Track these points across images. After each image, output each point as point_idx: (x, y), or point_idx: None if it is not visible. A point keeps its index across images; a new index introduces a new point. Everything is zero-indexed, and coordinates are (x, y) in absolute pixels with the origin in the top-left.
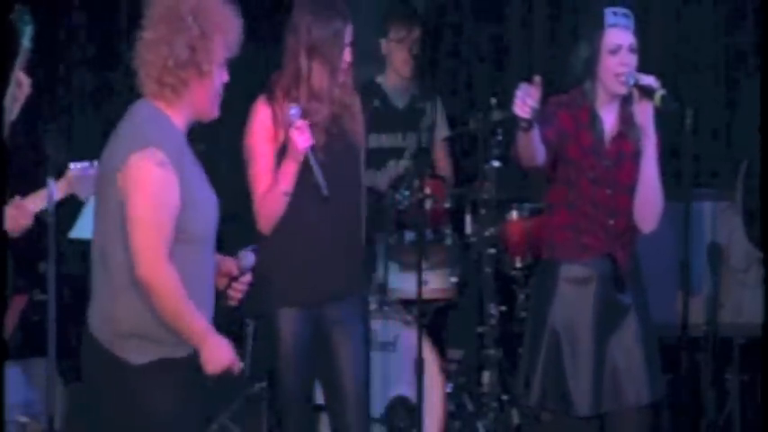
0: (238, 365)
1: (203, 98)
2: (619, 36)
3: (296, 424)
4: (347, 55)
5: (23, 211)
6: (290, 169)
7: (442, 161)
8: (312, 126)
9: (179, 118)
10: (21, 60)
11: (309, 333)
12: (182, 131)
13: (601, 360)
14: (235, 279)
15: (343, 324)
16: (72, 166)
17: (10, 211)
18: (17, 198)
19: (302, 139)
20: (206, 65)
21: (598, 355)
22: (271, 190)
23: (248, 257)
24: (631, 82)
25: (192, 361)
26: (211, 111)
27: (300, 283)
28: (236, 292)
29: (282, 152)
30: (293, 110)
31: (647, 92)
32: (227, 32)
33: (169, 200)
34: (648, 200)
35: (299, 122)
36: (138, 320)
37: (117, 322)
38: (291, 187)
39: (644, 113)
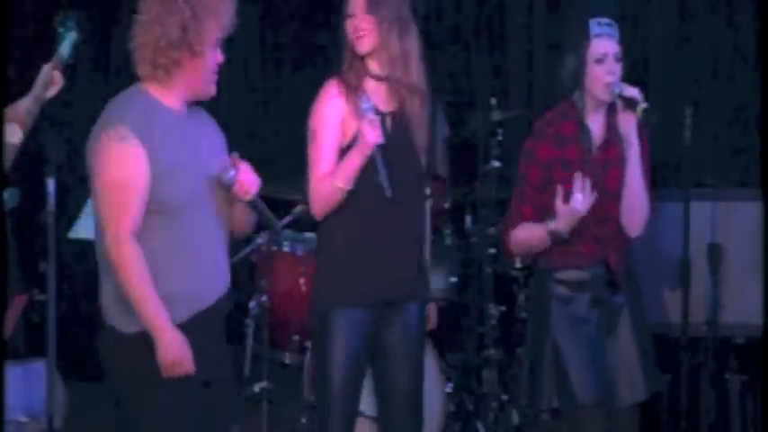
0: (189, 367)
1: (196, 78)
2: (604, 45)
3: (339, 427)
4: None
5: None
6: (355, 164)
7: (441, 161)
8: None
9: (172, 98)
10: (55, 63)
11: (364, 335)
12: (171, 110)
13: (598, 356)
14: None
15: (400, 328)
16: None
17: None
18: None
19: (374, 134)
20: (198, 45)
21: (597, 351)
22: (327, 179)
23: (224, 174)
24: (617, 91)
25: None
26: (206, 90)
27: (355, 284)
28: (240, 192)
29: (349, 146)
30: (366, 104)
31: (630, 103)
32: (220, 14)
33: (130, 175)
34: (634, 207)
35: (372, 116)
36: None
37: (105, 294)
38: (350, 185)
39: (627, 123)
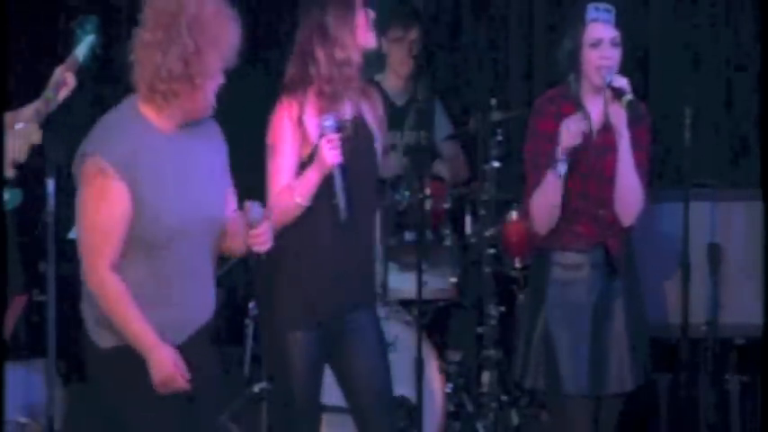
0: (183, 382)
1: (193, 106)
2: (599, 30)
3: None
4: (369, 12)
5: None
6: (313, 181)
7: (454, 160)
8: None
9: (167, 122)
10: (67, 65)
11: (321, 349)
12: (163, 134)
13: (592, 344)
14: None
15: (356, 334)
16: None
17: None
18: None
19: (332, 153)
20: (199, 78)
21: (590, 338)
22: (285, 194)
23: (254, 209)
24: (607, 80)
25: None
26: (203, 114)
27: (312, 305)
28: (257, 240)
29: (308, 159)
30: (329, 120)
31: (617, 93)
32: (224, 46)
33: (109, 210)
34: (626, 196)
35: (333, 135)
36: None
37: (85, 310)
38: (308, 200)
39: (617, 114)
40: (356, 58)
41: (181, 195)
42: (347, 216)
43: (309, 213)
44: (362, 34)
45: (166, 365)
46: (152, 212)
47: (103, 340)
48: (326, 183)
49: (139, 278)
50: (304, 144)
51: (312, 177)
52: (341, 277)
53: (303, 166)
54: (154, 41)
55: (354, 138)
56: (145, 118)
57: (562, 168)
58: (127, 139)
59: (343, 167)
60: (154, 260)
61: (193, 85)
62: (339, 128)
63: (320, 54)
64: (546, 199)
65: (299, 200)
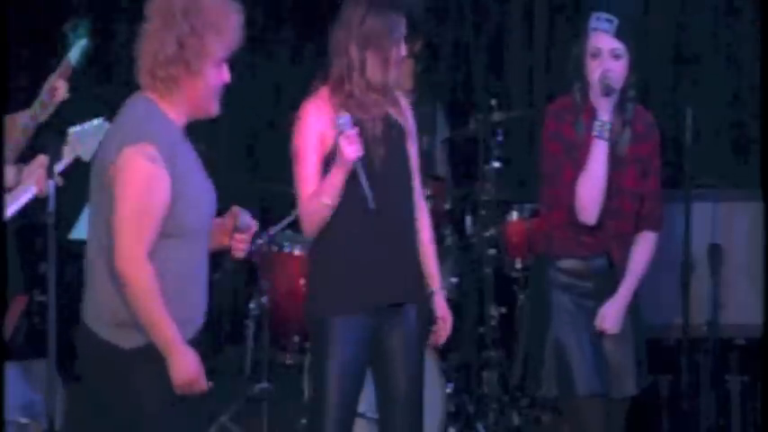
0: (204, 384)
1: (195, 96)
2: (599, 40)
3: (334, 428)
4: (402, 49)
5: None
6: (337, 179)
7: (440, 162)
8: (370, 121)
9: (174, 112)
10: (60, 70)
11: (360, 342)
12: (177, 126)
13: (599, 347)
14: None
15: (398, 332)
16: (70, 129)
17: (37, 171)
18: (40, 157)
19: (351, 149)
20: (195, 63)
21: (596, 341)
22: (313, 198)
23: (245, 216)
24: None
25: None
26: (207, 109)
27: (351, 292)
28: (239, 245)
29: (331, 158)
30: (343, 118)
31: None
32: (222, 31)
33: (155, 196)
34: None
35: (349, 131)
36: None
37: (101, 308)
38: (335, 199)
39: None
40: (384, 83)
41: (206, 186)
42: (378, 203)
43: (342, 206)
44: (391, 67)
45: (190, 367)
46: (191, 200)
47: (128, 341)
48: (352, 177)
49: (169, 268)
50: (324, 144)
51: (336, 176)
52: (379, 268)
53: (326, 164)
54: (152, 30)
55: (388, 132)
56: (161, 110)
57: (606, 129)
58: (163, 126)
59: (363, 159)
60: (182, 249)
61: (189, 69)
62: (353, 123)
63: (365, 59)
64: (596, 173)
65: (325, 200)
